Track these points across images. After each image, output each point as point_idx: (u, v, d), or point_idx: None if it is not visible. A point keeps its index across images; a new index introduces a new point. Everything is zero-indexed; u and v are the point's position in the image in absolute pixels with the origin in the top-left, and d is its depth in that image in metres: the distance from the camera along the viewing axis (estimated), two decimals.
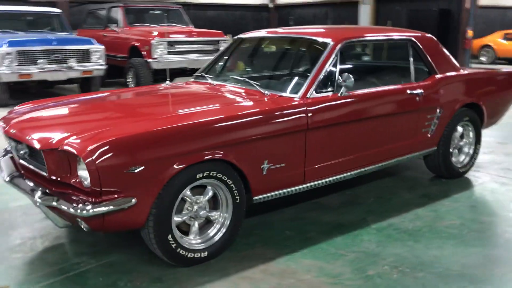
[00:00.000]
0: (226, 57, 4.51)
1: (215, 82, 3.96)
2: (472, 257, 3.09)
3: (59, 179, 2.76)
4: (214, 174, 2.93)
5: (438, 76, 4.29)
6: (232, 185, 3.03)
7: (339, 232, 3.47)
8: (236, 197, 3.07)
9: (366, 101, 3.75)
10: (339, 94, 3.53)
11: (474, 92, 4.59)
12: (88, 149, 2.53)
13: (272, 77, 3.71)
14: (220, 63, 4.50)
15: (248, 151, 3.07)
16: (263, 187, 3.23)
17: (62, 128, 3.00)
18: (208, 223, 3.09)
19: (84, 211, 2.53)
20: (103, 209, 2.54)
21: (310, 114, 3.33)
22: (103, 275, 2.88)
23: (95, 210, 2.53)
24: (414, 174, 4.79)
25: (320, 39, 3.80)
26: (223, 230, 3.09)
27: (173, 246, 2.85)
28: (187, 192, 2.90)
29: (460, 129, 4.61)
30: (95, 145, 2.54)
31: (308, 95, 3.41)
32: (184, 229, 2.99)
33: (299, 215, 3.79)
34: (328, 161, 3.55)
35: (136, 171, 2.62)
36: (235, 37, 4.55)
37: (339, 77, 3.53)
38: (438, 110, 4.25)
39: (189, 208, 2.95)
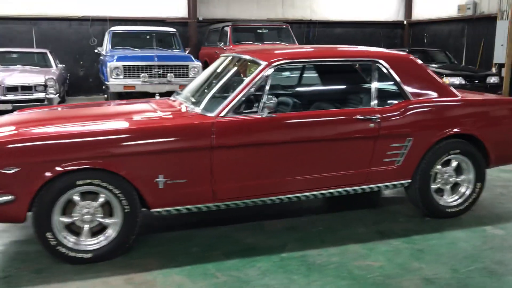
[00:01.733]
0: (210, 75, 4.67)
1: (176, 99, 4.17)
2: None
3: None
4: (98, 183, 3.17)
5: (409, 101, 3.87)
6: (120, 194, 3.23)
7: (243, 255, 3.40)
8: (125, 207, 3.26)
9: (294, 124, 3.59)
10: (259, 116, 3.47)
11: (467, 122, 4.01)
12: None
13: (214, 96, 3.77)
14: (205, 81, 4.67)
15: (137, 163, 3.24)
16: (161, 200, 3.35)
17: None
18: (104, 228, 3.33)
19: None
20: None
21: (216, 134, 3.35)
22: None
23: None
24: (402, 209, 4.34)
25: (255, 60, 3.76)
26: (113, 236, 3.29)
27: (53, 243, 3.16)
28: (75, 196, 3.18)
29: (454, 163, 4.07)
30: None
31: (222, 114, 3.43)
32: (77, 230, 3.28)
33: (228, 234, 3.78)
34: (244, 181, 3.51)
35: (11, 171, 3.00)
36: (221, 55, 4.69)
37: (264, 98, 3.48)
38: (407, 139, 3.83)
39: (78, 211, 3.23)
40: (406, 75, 3.93)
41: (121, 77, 9.98)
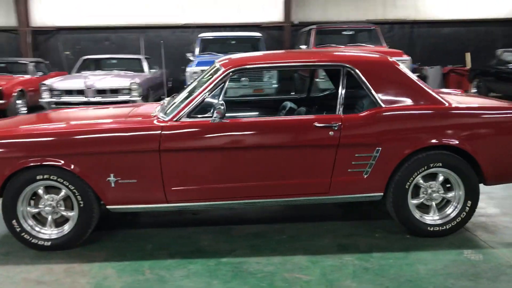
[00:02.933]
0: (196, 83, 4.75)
1: (162, 103, 4.38)
2: None
3: None
4: (55, 178, 3.52)
5: (380, 108, 3.62)
6: (75, 190, 3.54)
7: (185, 257, 3.49)
8: (80, 202, 3.56)
9: (244, 130, 3.58)
10: (211, 121, 3.54)
11: (450, 132, 3.61)
12: None
13: (181, 101, 3.87)
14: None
15: (90, 163, 3.52)
16: (114, 198, 3.59)
17: None
18: (67, 220, 3.68)
19: None
20: None
21: (163, 137, 3.50)
22: None
23: None
24: (387, 224, 4.04)
25: (218, 65, 3.82)
26: (71, 228, 3.62)
27: (17, 230, 3.58)
28: (39, 189, 3.57)
29: (440, 177, 3.71)
30: None
31: (176, 119, 3.57)
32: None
33: (191, 235, 3.90)
34: (196, 185, 3.60)
35: None
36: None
37: (216, 104, 3.55)
38: (375, 149, 3.59)
39: (42, 203, 3.62)
40: (379, 81, 3.67)
41: None
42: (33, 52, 14.98)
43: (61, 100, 9.81)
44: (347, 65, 3.68)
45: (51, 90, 9.85)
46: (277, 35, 15.56)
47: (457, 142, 3.60)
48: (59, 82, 10.13)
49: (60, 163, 3.49)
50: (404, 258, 3.42)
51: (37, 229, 3.64)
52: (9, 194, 3.53)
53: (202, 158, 3.57)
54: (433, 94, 3.73)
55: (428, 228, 3.72)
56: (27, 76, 11.66)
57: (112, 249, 3.67)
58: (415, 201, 3.73)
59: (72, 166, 3.49)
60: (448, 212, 3.76)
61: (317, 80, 5.06)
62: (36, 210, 3.62)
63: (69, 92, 9.90)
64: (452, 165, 3.65)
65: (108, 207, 3.63)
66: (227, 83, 3.64)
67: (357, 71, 3.66)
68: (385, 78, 3.70)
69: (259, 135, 3.59)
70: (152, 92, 11.50)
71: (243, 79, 9.71)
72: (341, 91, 3.66)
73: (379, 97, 3.64)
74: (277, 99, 4.68)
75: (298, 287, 3.03)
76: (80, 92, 9.86)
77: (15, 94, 10.63)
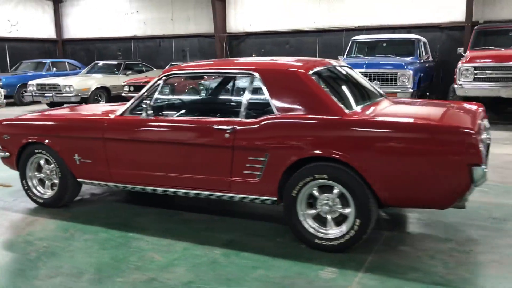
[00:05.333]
0: None
1: None
2: None
3: None
4: (44, 153, 4.71)
5: (272, 115, 3.71)
6: (56, 164, 4.67)
7: (104, 226, 4.25)
8: (59, 173, 4.68)
9: (162, 127, 4.13)
10: (141, 117, 4.23)
11: (337, 145, 3.46)
12: None
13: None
14: None
15: (64, 144, 4.59)
16: (79, 173, 4.60)
17: None
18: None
19: None
20: None
21: (106, 129, 4.35)
22: None
23: None
24: None
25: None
26: (55, 192, 4.77)
27: (25, 188, 4.90)
28: (41, 161, 4.82)
29: (335, 190, 3.59)
30: None
31: (121, 114, 4.38)
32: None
33: (151, 214, 4.60)
34: (130, 170, 4.32)
35: (7, 138, 4.90)
36: None
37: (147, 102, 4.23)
38: (264, 154, 3.71)
39: (44, 172, 4.85)
40: (277, 90, 3.75)
41: None
42: (228, 55, 17.27)
43: None
44: (253, 73, 3.87)
45: None
46: (458, 36, 14.30)
47: (340, 154, 3.44)
48: None
49: (45, 142, 4.66)
50: (264, 261, 3.48)
51: (38, 188, 4.90)
52: (21, 162, 4.87)
53: (131, 147, 4.27)
54: (337, 105, 3.60)
55: (315, 241, 3.64)
56: None
57: (81, 212, 4.69)
58: (311, 211, 3.69)
59: (53, 146, 4.62)
60: (342, 228, 3.59)
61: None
62: (41, 175, 4.88)
63: None
64: (340, 179, 3.49)
65: (77, 179, 4.65)
66: (160, 86, 4.25)
67: (261, 79, 3.82)
68: (285, 88, 3.76)
69: (173, 132, 4.11)
70: None
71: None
72: (247, 97, 3.87)
73: (275, 104, 3.73)
74: (210, 101, 5.08)
75: (147, 262, 3.51)
76: None
77: None
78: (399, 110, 4.13)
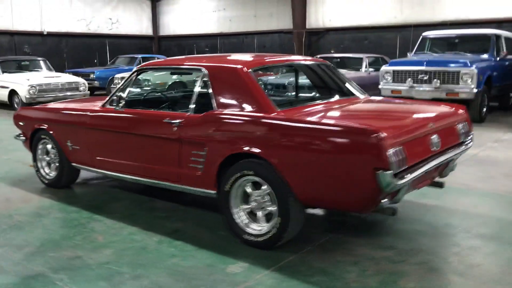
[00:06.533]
0: None
1: None
2: None
3: None
4: (47, 139, 5.25)
5: (211, 111, 3.80)
6: (55, 148, 5.18)
7: (84, 208, 4.64)
8: (57, 157, 5.19)
9: (127, 118, 4.40)
10: (115, 109, 4.55)
11: (260, 142, 3.46)
12: None
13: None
14: None
15: (60, 130, 5.07)
16: (72, 158, 5.06)
17: None
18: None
19: None
20: None
21: (89, 117, 4.74)
22: None
23: None
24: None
25: None
26: (56, 174, 5.28)
27: (35, 169, 5.48)
28: (48, 145, 5.37)
29: (264, 186, 3.58)
30: None
31: (103, 105, 4.74)
32: None
33: (134, 200, 4.94)
34: (105, 157, 4.67)
35: (22, 124, 5.53)
36: None
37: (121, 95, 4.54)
38: (204, 149, 3.82)
39: (49, 156, 5.39)
40: (221, 87, 3.83)
41: (390, 81, 10.37)
42: (307, 51, 17.23)
43: None
44: (202, 70, 3.98)
45: None
46: None
47: (260, 151, 3.43)
48: None
49: (47, 129, 5.18)
50: (187, 251, 3.59)
51: (45, 170, 5.46)
52: (33, 146, 5.46)
53: (106, 137, 4.61)
54: (268, 103, 3.60)
55: (244, 236, 3.66)
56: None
57: (76, 194, 5.15)
58: (245, 206, 3.72)
59: (51, 131, 5.13)
60: (268, 225, 3.57)
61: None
62: (47, 158, 5.43)
63: None
64: (264, 176, 3.48)
65: (72, 164, 5.11)
66: (133, 79, 4.53)
67: (208, 75, 3.93)
68: (225, 84, 3.83)
69: (134, 124, 4.36)
70: None
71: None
72: (196, 93, 4.01)
73: (215, 100, 3.81)
74: (170, 96, 5.35)
75: (87, 242, 3.81)
76: None
77: None
78: (338, 110, 3.93)
